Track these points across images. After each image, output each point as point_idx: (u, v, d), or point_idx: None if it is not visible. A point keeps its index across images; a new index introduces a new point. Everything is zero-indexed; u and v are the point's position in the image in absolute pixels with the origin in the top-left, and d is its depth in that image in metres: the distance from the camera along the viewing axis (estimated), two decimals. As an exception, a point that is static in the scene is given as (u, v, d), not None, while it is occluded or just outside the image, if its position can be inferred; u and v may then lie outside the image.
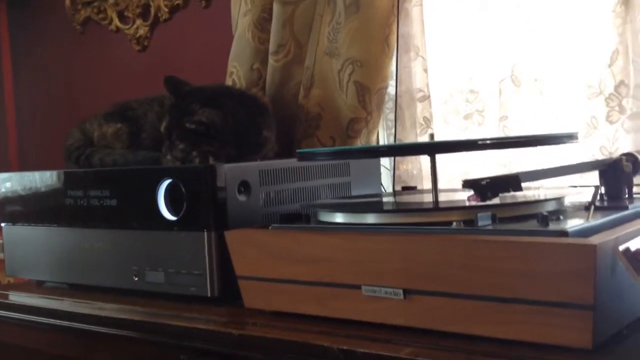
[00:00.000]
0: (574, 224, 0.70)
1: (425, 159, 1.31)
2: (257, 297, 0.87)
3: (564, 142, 0.85)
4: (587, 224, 0.70)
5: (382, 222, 0.80)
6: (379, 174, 1.30)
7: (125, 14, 1.83)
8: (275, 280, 0.84)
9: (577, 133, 0.87)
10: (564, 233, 0.67)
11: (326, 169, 1.13)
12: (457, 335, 0.71)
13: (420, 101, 1.31)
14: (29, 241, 1.18)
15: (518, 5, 1.21)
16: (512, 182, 0.73)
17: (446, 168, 1.28)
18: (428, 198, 0.97)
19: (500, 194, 0.77)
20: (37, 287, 1.20)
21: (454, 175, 1.29)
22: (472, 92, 1.28)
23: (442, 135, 1.30)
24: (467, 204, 0.78)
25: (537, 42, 1.20)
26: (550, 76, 1.19)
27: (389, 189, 1.35)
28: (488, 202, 0.77)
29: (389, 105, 1.38)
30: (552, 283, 0.65)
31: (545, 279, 0.65)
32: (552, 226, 0.69)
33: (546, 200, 0.81)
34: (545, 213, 0.70)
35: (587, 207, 0.79)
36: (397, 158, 1.33)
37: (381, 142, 1.40)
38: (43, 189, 1.16)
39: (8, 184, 1.21)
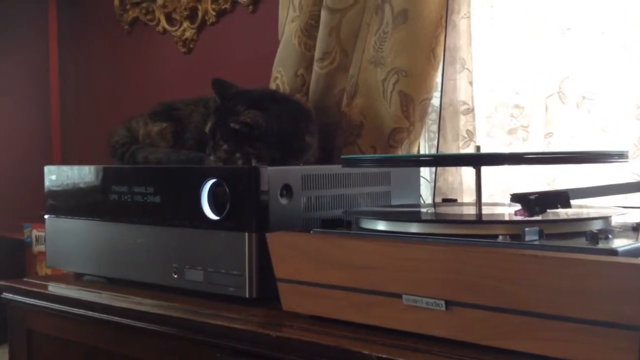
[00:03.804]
0: (623, 243, 0.69)
1: (466, 172, 1.30)
2: (295, 301, 0.87)
3: (613, 161, 0.84)
4: (636, 244, 0.69)
5: (426, 232, 0.80)
6: (419, 184, 1.30)
7: (173, 16, 1.86)
8: (314, 284, 0.84)
9: (627, 152, 0.86)
10: (613, 252, 0.66)
11: (367, 177, 1.13)
12: (498, 350, 0.70)
13: (464, 114, 1.30)
14: (72, 234, 1.20)
15: (568, 21, 1.20)
16: (561, 198, 0.73)
17: (487, 182, 1.27)
18: (469, 211, 0.96)
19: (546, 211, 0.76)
20: (76, 279, 1.22)
21: (494, 191, 1.28)
22: (518, 107, 1.27)
23: (485, 149, 1.29)
24: (514, 218, 0.77)
25: (586, 60, 1.18)
26: (598, 94, 1.18)
27: (428, 201, 1.34)
28: (534, 218, 0.76)
29: (432, 116, 1.38)
30: (599, 302, 0.64)
31: (593, 298, 0.64)
32: (602, 245, 0.68)
33: (594, 218, 0.80)
34: (595, 231, 0.69)
35: (635, 228, 0.78)
36: (438, 170, 1.32)
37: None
38: (88, 184, 1.18)
39: (53, 177, 1.24)
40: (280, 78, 1.42)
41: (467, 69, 1.29)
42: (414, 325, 0.76)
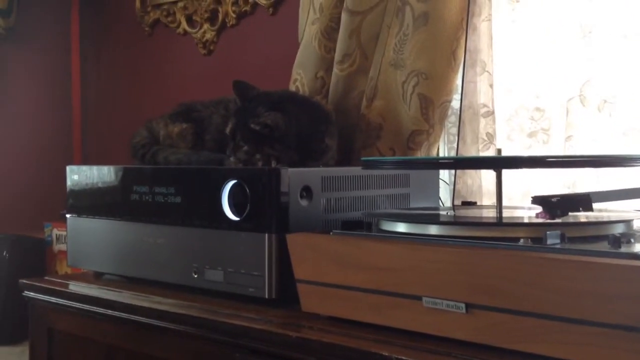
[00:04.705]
0: (645, 248, 0.69)
1: (485, 175, 1.30)
2: (315, 302, 0.88)
3: (636, 165, 0.83)
4: (659, 249, 0.69)
5: (447, 234, 0.80)
6: (438, 187, 1.30)
7: (194, 18, 1.87)
8: (334, 285, 0.84)
9: (650, 156, 0.85)
10: (636, 256, 0.66)
11: (387, 179, 1.13)
12: (519, 353, 0.70)
13: (484, 117, 1.30)
14: (93, 233, 1.21)
15: (589, 24, 1.19)
16: (583, 201, 0.72)
17: (506, 186, 1.26)
18: (489, 213, 0.96)
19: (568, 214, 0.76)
20: (96, 278, 1.23)
21: (513, 194, 1.27)
22: (538, 110, 1.27)
23: (504, 152, 1.29)
24: (535, 220, 0.77)
25: (607, 63, 1.18)
26: (620, 98, 1.17)
27: (447, 203, 1.34)
28: (555, 221, 0.76)
29: (451, 119, 1.38)
30: (621, 306, 0.63)
31: (615, 302, 0.64)
32: (624, 249, 0.68)
33: (616, 222, 0.79)
34: (617, 235, 0.68)
35: (658, 232, 0.77)
36: (457, 173, 1.32)
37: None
38: (110, 183, 1.19)
39: (76, 177, 1.25)
40: (300, 80, 1.43)
41: (488, 71, 1.29)
42: (434, 328, 0.76)
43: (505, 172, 0.86)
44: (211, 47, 1.84)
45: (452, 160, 1.13)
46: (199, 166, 1.17)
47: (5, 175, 2.12)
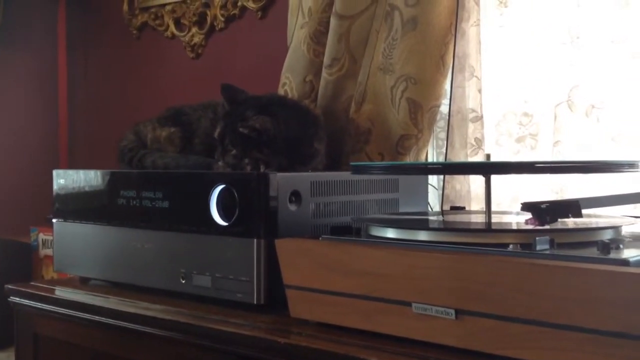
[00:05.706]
0: (634, 253, 0.69)
1: (474, 180, 1.30)
2: (303, 307, 0.87)
3: (624, 170, 0.84)
4: (648, 255, 0.69)
5: (436, 240, 0.79)
6: (427, 192, 1.30)
7: (182, 21, 1.86)
8: (323, 291, 0.84)
9: (638, 162, 0.85)
10: (625, 262, 0.66)
11: (376, 184, 1.13)
12: (508, 359, 0.69)
13: (472, 122, 1.30)
14: (79, 238, 1.20)
15: (577, 30, 1.20)
16: (572, 207, 0.72)
17: (494, 191, 1.26)
18: (478, 219, 0.96)
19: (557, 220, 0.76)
20: (82, 284, 1.22)
21: (502, 199, 1.27)
22: (526, 115, 1.27)
23: (493, 157, 1.29)
24: (524, 227, 0.77)
25: (595, 69, 1.18)
26: (607, 103, 1.18)
27: (436, 208, 1.34)
28: (545, 227, 0.76)
29: (440, 124, 1.38)
30: (610, 312, 0.63)
31: (604, 308, 0.64)
32: (613, 255, 0.68)
33: (605, 228, 0.79)
34: (606, 241, 0.69)
35: (646, 238, 0.77)
36: (446, 177, 1.32)
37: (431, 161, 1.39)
38: (96, 188, 1.18)
39: (62, 181, 1.24)
40: (289, 84, 1.43)
41: (476, 76, 1.29)
42: (424, 334, 0.76)
43: (494, 177, 0.86)
44: (199, 51, 1.83)
45: (440, 166, 1.13)
46: (187, 170, 1.16)
47: (-10, 179, 2.11)
